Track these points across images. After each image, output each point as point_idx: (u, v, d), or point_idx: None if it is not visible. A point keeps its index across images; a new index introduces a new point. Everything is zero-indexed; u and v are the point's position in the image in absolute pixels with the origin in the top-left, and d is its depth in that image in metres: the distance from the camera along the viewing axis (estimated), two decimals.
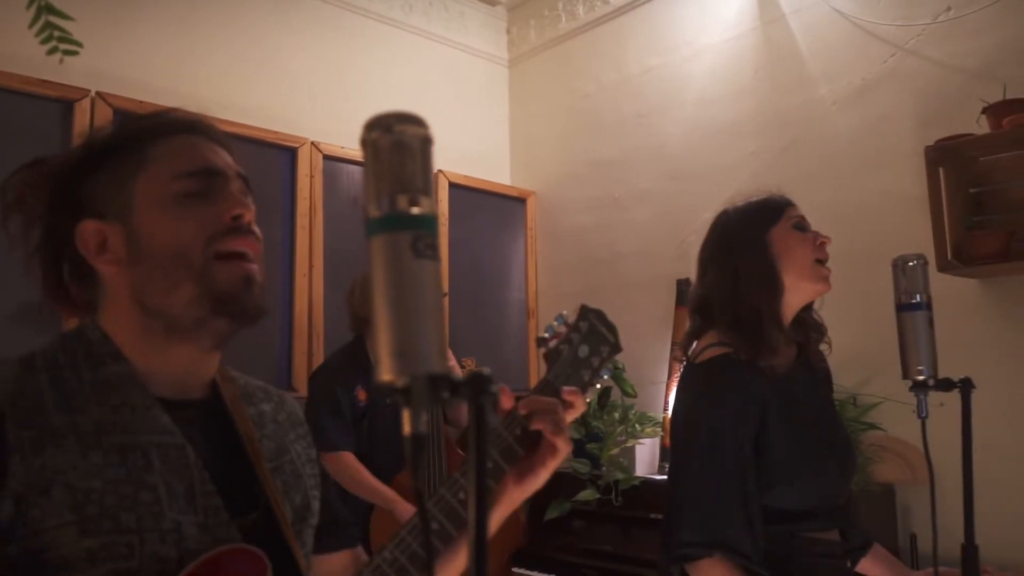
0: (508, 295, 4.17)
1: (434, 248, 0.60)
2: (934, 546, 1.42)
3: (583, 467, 3.23)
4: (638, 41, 3.91)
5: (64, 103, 2.85)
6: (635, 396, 3.37)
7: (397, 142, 0.62)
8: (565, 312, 1.15)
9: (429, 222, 0.61)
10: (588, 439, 3.31)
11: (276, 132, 3.38)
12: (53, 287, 0.99)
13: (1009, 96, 2.59)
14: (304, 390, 3.15)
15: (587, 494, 3.16)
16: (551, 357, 1.11)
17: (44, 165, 0.99)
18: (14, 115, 2.73)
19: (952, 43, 2.86)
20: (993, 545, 2.03)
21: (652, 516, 2.99)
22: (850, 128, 3.12)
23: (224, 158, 1.02)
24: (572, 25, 4.21)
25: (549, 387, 1.08)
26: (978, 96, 2.66)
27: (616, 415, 3.37)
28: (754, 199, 1.68)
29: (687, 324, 1.70)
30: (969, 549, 1.32)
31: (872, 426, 2.81)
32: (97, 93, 2.92)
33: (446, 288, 3.69)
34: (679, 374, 1.69)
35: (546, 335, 1.13)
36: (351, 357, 2.92)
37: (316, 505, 1.07)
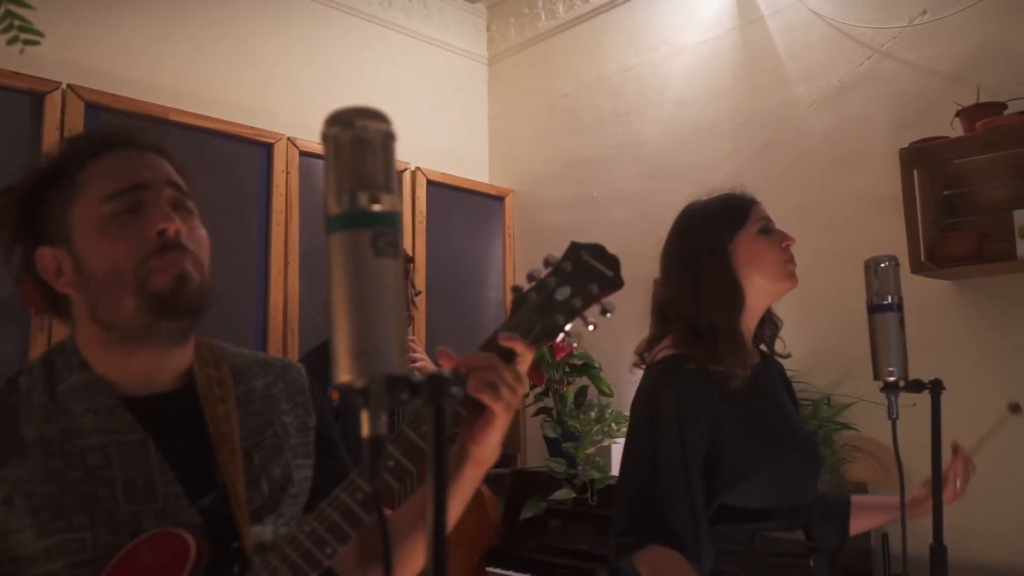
0: (486, 293, 4.15)
1: (395, 246, 0.60)
2: (904, 545, 1.43)
3: (559, 466, 3.23)
4: (617, 40, 3.91)
5: (35, 95, 2.80)
6: (612, 395, 3.37)
7: (358, 138, 0.61)
8: (555, 255, 1.03)
9: (391, 219, 0.60)
10: (564, 438, 3.31)
11: (252, 127, 3.35)
12: (47, 302, 1.08)
13: (982, 99, 2.61)
14: None
15: (563, 493, 3.15)
16: (515, 305, 1.00)
17: (10, 193, 1.07)
18: None
19: (927, 46, 2.88)
20: (963, 545, 2.05)
21: None
22: (826, 129, 3.14)
23: (156, 169, 1.06)
24: (552, 24, 4.20)
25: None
26: (952, 99, 2.68)
27: (592, 414, 3.36)
28: (718, 198, 1.66)
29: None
30: (938, 549, 1.32)
31: (845, 426, 2.82)
32: (68, 86, 2.87)
33: (422, 286, 3.67)
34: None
35: (520, 285, 1.02)
36: (326, 356, 2.90)
37: (301, 473, 1.12)
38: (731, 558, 1.47)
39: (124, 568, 0.93)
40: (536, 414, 3.47)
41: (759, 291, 1.60)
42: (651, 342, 1.67)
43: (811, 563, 1.55)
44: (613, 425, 3.33)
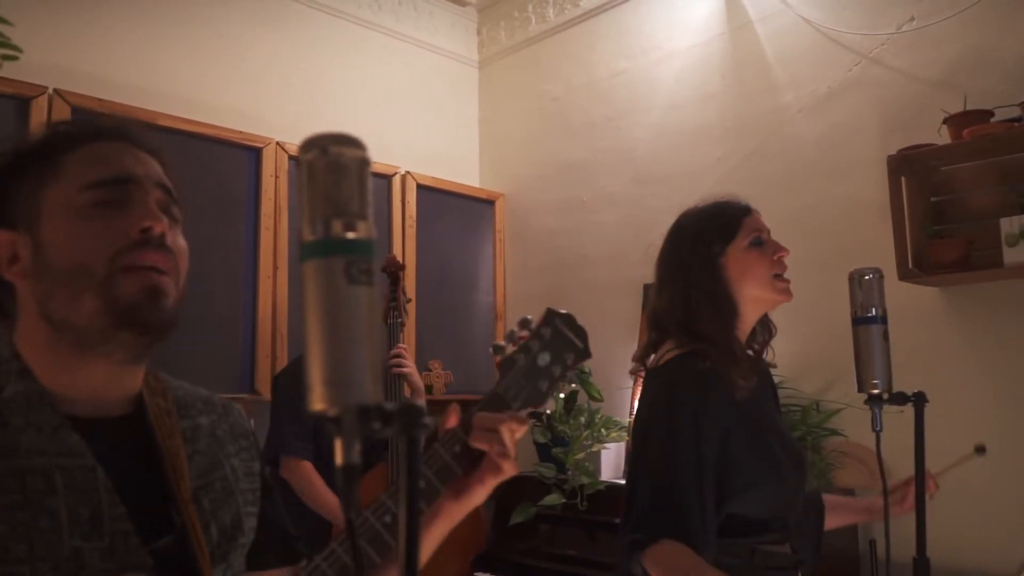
0: (476, 297, 4.15)
1: (369, 273, 0.59)
2: (887, 552, 1.43)
3: (549, 471, 3.23)
4: (607, 44, 3.91)
5: (20, 100, 2.79)
6: (602, 400, 3.37)
7: (333, 164, 0.61)
8: (530, 317, 1.08)
9: (365, 247, 0.60)
10: (554, 443, 3.31)
11: (241, 132, 3.34)
12: None
13: (970, 107, 2.61)
14: (267, 392, 3.12)
15: (552, 498, 3.15)
16: (504, 367, 1.05)
17: None
18: None
19: (915, 53, 2.89)
20: (948, 552, 2.06)
21: (617, 521, 2.98)
22: (815, 135, 3.14)
23: (148, 167, 0.98)
24: (542, 27, 4.20)
25: (497, 401, 1.02)
26: (940, 106, 2.68)
27: (582, 419, 3.36)
28: (710, 207, 1.66)
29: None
30: (921, 561, 1.33)
31: (834, 432, 2.83)
32: (55, 90, 2.86)
33: (412, 291, 3.67)
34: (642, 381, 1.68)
35: (502, 343, 1.06)
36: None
37: (250, 522, 1.04)
38: (731, 571, 1.47)
39: None
40: None
41: (752, 303, 1.59)
42: (648, 348, 1.67)
43: (799, 575, 1.55)
44: (603, 430, 3.33)
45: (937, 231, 2.70)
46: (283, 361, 3.27)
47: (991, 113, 2.59)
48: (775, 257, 1.59)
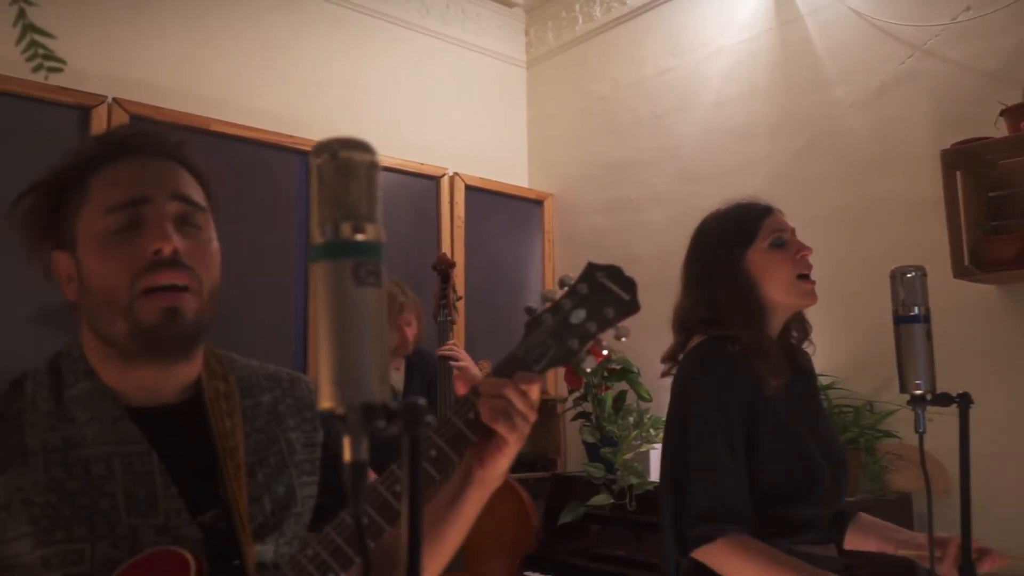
0: (525, 298, 4.15)
1: (377, 275, 0.60)
2: (931, 554, 1.39)
3: (597, 471, 3.22)
4: (654, 42, 3.89)
5: (81, 110, 2.89)
6: (650, 400, 3.34)
7: (342, 167, 0.62)
8: (571, 276, 1.00)
9: (373, 249, 0.61)
10: (603, 443, 3.30)
11: (290, 136, 3.40)
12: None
13: None
14: None
15: (601, 498, 3.14)
16: (529, 328, 0.98)
17: (33, 191, 1.05)
18: (32, 123, 2.77)
19: (970, 44, 2.81)
20: (1006, 551, 1.98)
21: None
22: (866, 130, 3.07)
23: (164, 179, 1.02)
24: (589, 27, 4.19)
25: (516, 363, 0.96)
26: (996, 98, 2.60)
27: (631, 419, 3.34)
28: (730, 210, 1.65)
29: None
30: (965, 567, 1.29)
31: (888, 434, 2.76)
32: (114, 99, 2.96)
33: (462, 291, 3.69)
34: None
35: (534, 306, 0.99)
36: None
37: (306, 491, 1.10)
38: None
39: None
40: (575, 419, 3.47)
41: (776, 304, 1.58)
42: (676, 348, 1.66)
43: None
44: (652, 430, 3.31)
45: (994, 227, 2.62)
46: None
47: None
48: (798, 256, 1.57)
